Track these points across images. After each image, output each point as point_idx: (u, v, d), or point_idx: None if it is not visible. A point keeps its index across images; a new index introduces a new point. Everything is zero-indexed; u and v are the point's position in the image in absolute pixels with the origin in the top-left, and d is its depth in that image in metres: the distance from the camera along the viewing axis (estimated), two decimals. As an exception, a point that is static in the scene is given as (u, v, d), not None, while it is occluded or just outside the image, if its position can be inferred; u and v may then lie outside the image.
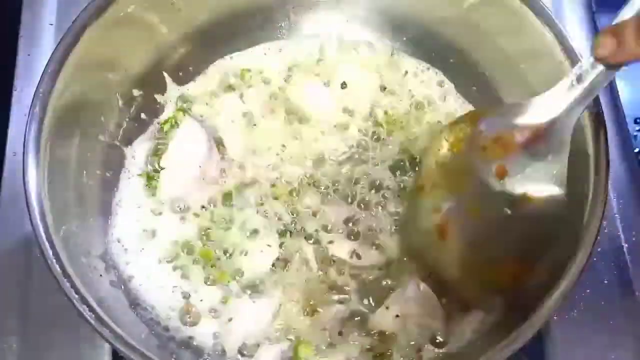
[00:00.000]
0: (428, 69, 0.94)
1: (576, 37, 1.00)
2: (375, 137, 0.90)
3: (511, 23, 0.81)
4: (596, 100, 0.72)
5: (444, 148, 0.79)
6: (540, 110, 0.70)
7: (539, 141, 0.70)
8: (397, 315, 0.77)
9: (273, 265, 0.82)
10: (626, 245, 0.88)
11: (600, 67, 0.65)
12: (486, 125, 0.74)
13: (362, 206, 0.85)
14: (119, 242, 0.82)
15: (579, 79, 0.67)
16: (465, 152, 0.75)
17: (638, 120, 1.04)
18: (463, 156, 0.76)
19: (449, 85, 0.93)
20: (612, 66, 0.64)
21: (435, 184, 0.79)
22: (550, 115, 0.69)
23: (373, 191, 0.86)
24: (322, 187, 0.87)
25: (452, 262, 0.76)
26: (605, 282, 0.86)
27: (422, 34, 0.93)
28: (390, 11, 0.94)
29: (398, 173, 0.87)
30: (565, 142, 0.69)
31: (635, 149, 0.96)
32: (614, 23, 0.62)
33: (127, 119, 0.87)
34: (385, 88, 0.93)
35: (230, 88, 0.93)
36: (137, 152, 0.88)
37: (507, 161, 0.71)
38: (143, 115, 0.89)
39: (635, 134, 1.02)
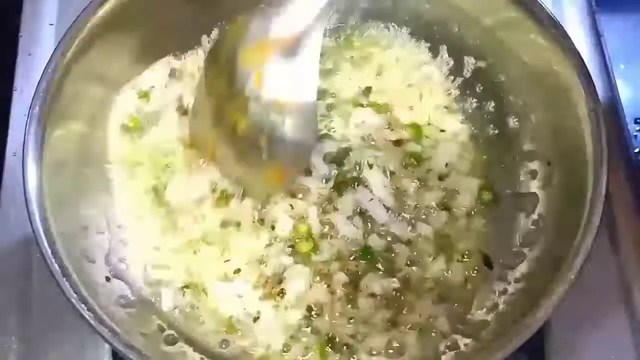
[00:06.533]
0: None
1: (576, 37, 1.00)
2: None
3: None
4: (596, 99, 0.72)
5: (213, 68, 0.82)
6: (292, 19, 0.75)
7: (293, 46, 0.75)
8: None
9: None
10: (626, 245, 0.88)
11: None
12: (248, 34, 0.77)
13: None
14: (119, 240, 0.82)
15: None
16: (229, 63, 0.78)
17: (638, 120, 1.04)
18: (227, 68, 0.78)
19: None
20: None
21: (206, 105, 0.83)
22: (302, 25, 0.74)
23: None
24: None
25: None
26: (605, 282, 0.86)
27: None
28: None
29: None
30: (315, 47, 0.75)
31: (635, 149, 0.95)
32: None
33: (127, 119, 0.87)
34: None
35: None
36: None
37: (265, 68, 0.76)
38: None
39: (635, 134, 1.02)
